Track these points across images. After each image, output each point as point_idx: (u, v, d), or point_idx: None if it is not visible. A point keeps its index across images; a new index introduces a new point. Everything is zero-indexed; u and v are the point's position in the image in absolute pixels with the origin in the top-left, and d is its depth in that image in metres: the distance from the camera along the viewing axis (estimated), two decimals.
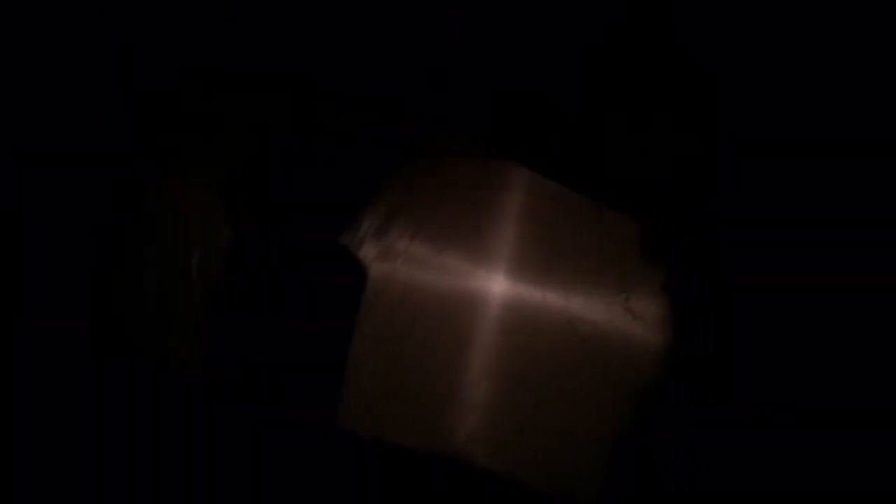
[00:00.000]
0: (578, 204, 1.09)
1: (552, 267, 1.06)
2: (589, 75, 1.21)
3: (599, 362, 1.05)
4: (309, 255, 1.09)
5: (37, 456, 1.14)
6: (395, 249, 1.05)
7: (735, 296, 1.11)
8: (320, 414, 1.09)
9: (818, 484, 1.09)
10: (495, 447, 1.04)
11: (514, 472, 1.04)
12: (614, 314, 1.05)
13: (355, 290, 1.06)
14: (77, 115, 1.18)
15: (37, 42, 1.20)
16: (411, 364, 1.04)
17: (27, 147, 1.18)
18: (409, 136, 1.14)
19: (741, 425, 1.10)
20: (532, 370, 1.04)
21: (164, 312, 1.11)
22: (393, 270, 1.05)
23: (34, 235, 1.16)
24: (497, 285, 1.04)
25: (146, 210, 1.12)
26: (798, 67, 1.17)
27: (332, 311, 1.07)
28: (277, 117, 1.14)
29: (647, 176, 1.18)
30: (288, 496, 1.12)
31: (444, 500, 1.11)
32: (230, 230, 1.09)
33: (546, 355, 1.04)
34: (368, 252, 1.06)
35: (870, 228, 1.13)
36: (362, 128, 1.13)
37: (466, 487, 1.09)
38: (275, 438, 1.13)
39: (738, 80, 1.18)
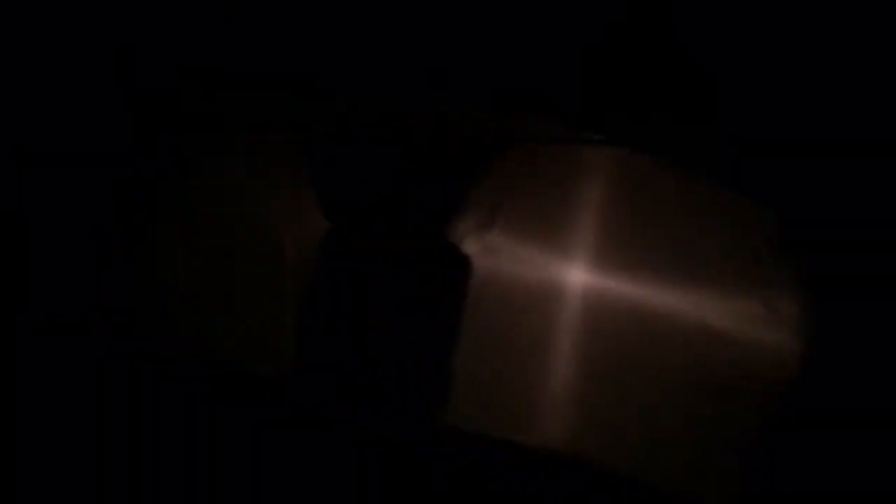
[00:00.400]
0: (704, 190, 1.02)
1: (669, 260, 1.00)
2: (589, 75, 1.21)
3: (726, 362, 0.98)
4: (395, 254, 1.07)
5: (37, 456, 1.14)
6: (495, 245, 1.02)
7: None
8: (320, 414, 1.09)
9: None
10: (604, 445, 1.00)
11: (626, 471, 1.01)
12: (745, 312, 0.98)
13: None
14: (77, 115, 1.18)
15: (37, 42, 1.20)
16: (516, 361, 1.00)
17: (27, 147, 1.18)
18: (502, 126, 1.09)
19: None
20: (643, 369, 0.99)
21: (200, 308, 1.09)
22: (496, 267, 1.01)
23: (34, 235, 1.16)
24: (602, 281, 0.99)
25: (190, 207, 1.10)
26: (798, 67, 1.17)
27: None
28: (277, 117, 1.14)
29: None
30: (288, 496, 1.12)
31: (444, 500, 1.10)
32: (307, 229, 1.07)
33: (661, 354, 0.99)
34: (471, 248, 1.03)
35: (870, 229, 1.13)
36: (448, 124, 1.09)
37: (466, 487, 1.09)
38: (275, 438, 1.13)
39: (738, 80, 1.18)
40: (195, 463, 1.12)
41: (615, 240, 1.01)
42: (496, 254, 1.02)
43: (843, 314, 1.05)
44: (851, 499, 1.07)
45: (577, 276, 1.00)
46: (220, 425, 1.13)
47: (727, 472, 1.00)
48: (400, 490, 1.11)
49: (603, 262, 1.01)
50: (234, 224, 1.09)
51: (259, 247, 1.08)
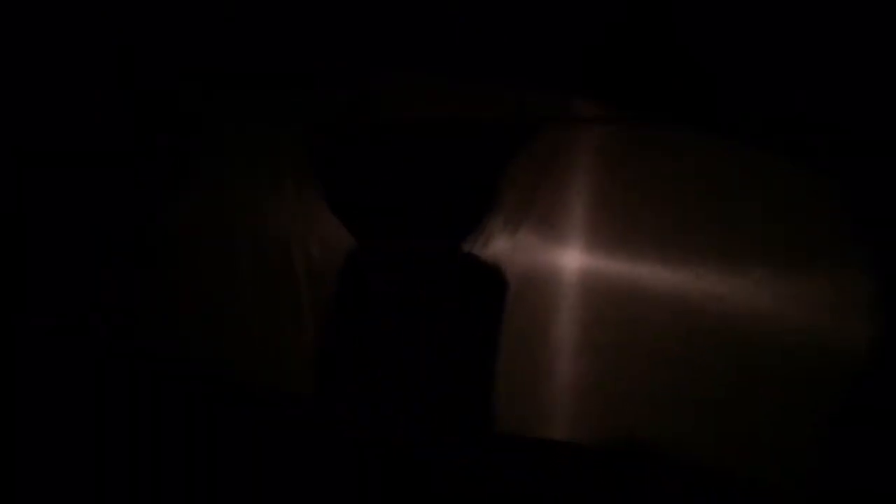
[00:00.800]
0: (753, 165, 0.94)
1: (707, 240, 0.92)
2: (589, 75, 1.21)
3: (781, 349, 0.89)
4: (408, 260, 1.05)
5: (37, 456, 1.14)
6: (525, 243, 0.96)
7: None
8: (320, 414, 1.09)
9: None
10: (650, 437, 0.95)
11: (678, 460, 0.95)
12: (809, 296, 0.89)
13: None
14: (77, 115, 1.18)
15: (37, 42, 1.20)
16: (555, 363, 0.97)
17: (27, 147, 1.18)
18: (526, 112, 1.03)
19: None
20: (684, 357, 0.92)
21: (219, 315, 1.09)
22: (528, 266, 0.96)
23: (34, 235, 1.16)
24: (626, 266, 0.94)
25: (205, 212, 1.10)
26: (799, 67, 1.17)
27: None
28: (278, 117, 1.14)
29: None
30: (288, 496, 1.12)
31: (444, 500, 1.10)
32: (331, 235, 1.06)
33: (704, 341, 0.91)
34: (499, 251, 0.98)
35: (871, 229, 1.13)
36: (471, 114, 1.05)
37: (466, 487, 1.09)
38: (275, 438, 1.13)
39: (738, 79, 1.18)
40: (195, 463, 1.12)
41: (634, 221, 0.96)
42: (528, 252, 0.97)
43: None
44: None
45: (596, 263, 0.96)
46: (220, 425, 1.13)
47: (784, 462, 0.93)
48: (400, 490, 1.11)
49: (613, 245, 0.96)
50: (235, 224, 1.09)
51: (261, 247, 1.08)
